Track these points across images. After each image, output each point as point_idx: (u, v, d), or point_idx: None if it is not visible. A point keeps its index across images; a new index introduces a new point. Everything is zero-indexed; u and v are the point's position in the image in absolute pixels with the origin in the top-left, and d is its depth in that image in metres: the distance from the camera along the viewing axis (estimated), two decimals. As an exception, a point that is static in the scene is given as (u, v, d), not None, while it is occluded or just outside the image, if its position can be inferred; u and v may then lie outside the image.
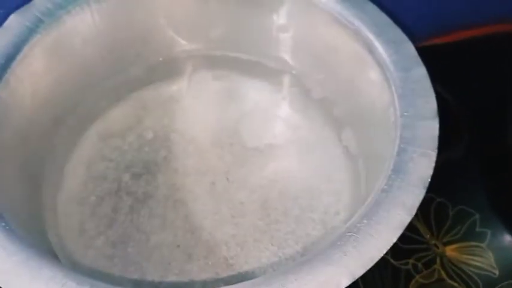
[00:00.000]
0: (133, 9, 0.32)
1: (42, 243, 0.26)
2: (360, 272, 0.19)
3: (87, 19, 0.30)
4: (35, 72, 0.28)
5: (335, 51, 0.30)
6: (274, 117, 0.36)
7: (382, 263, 0.37)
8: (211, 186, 0.33)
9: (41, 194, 0.29)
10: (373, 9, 0.29)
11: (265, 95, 0.36)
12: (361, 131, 0.31)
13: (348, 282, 0.18)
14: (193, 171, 0.33)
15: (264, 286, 0.18)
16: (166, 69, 0.36)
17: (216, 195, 0.32)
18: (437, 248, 0.38)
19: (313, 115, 0.35)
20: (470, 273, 0.37)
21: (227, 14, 0.34)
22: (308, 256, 0.19)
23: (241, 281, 0.27)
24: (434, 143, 0.23)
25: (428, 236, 0.38)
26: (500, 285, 0.36)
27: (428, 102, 0.24)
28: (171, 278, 0.29)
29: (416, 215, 0.39)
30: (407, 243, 0.38)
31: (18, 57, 0.27)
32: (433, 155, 0.22)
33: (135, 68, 0.35)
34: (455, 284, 0.36)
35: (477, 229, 0.39)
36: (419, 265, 0.37)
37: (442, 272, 0.37)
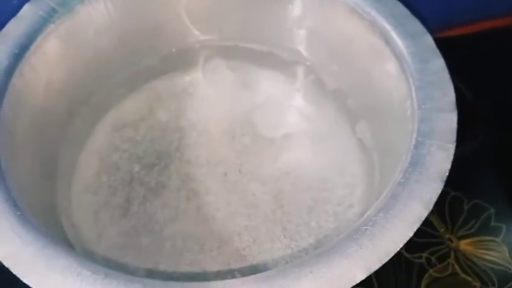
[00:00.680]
0: (146, -1, 0.32)
1: (57, 232, 0.26)
2: (375, 265, 0.18)
3: (100, 9, 0.30)
4: (49, 62, 0.28)
5: (351, 43, 0.30)
6: (288, 108, 0.36)
7: (395, 256, 0.37)
8: (224, 177, 0.33)
9: (56, 183, 0.29)
10: (390, 0, 0.28)
11: (278, 86, 0.36)
12: (376, 123, 0.31)
13: (364, 276, 0.18)
14: (205, 162, 0.33)
15: (278, 278, 0.18)
16: (180, 60, 0.36)
17: (229, 186, 0.32)
18: (452, 242, 0.37)
19: (327, 107, 0.34)
20: (485, 268, 0.36)
21: (241, 3, 0.34)
22: (323, 249, 0.19)
23: (254, 272, 0.27)
24: (453, 136, 0.22)
25: (442, 229, 0.38)
26: (515, 280, 0.36)
27: (447, 95, 0.24)
28: (184, 268, 0.29)
29: (430, 208, 0.39)
30: (421, 237, 0.37)
31: (32, 47, 0.27)
32: (451, 148, 0.22)
33: (149, 59, 0.35)
34: (469, 279, 0.36)
35: (492, 223, 0.38)
36: (433, 259, 0.36)
37: (456, 266, 0.36)
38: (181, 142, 0.34)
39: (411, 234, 0.19)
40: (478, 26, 0.45)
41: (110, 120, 0.34)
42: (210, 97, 0.36)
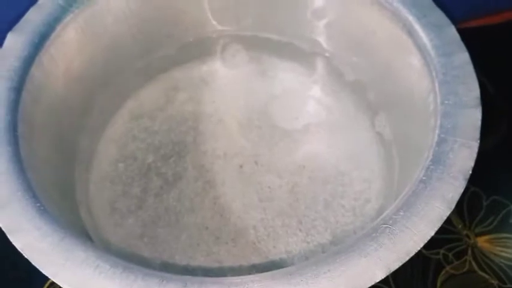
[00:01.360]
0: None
1: (75, 222, 0.26)
2: (395, 265, 0.18)
3: (119, -3, 0.30)
4: (68, 51, 0.28)
5: (372, 34, 0.29)
6: (306, 100, 0.36)
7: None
8: (240, 169, 0.33)
9: (74, 173, 0.30)
10: (414, -11, 0.27)
11: (297, 77, 0.36)
12: (396, 117, 0.30)
13: (383, 276, 0.18)
14: (222, 153, 0.33)
15: (296, 275, 0.18)
16: (197, 49, 0.36)
17: (244, 178, 0.32)
18: (469, 238, 0.37)
19: (346, 99, 0.34)
20: (502, 266, 0.36)
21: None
22: (342, 246, 0.19)
23: (269, 266, 0.27)
24: (477, 133, 0.22)
25: (460, 226, 0.37)
26: (534, 279, 0.35)
27: (471, 90, 0.23)
28: (199, 259, 0.29)
29: (448, 204, 0.38)
30: (439, 233, 0.37)
31: (52, 36, 0.27)
32: (475, 145, 0.21)
33: (166, 48, 0.35)
34: (487, 276, 0.35)
35: (511, 220, 0.38)
36: (450, 255, 0.36)
37: (473, 263, 0.36)
38: (198, 133, 0.34)
39: (432, 234, 0.19)
40: (500, 16, 0.44)
41: (128, 109, 0.34)
42: (227, 87, 0.36)
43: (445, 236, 0.37)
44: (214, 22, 0.35)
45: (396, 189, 0.28)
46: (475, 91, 0.23)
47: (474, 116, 0.22)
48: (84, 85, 0.30)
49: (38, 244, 0.19)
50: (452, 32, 0.26)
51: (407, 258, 0.18)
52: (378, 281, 0.18)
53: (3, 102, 0.24)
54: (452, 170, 0.21)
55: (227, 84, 0.36)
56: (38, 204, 0.20)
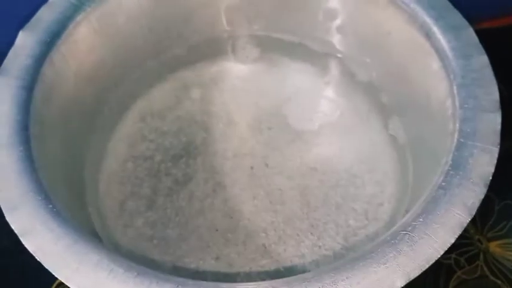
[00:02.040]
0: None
1: (85, 223, 0.26)
2: (415, 273, 0.18)
3: (131, -4, 0.30)
4: (79, 50, 0.28)
5: (387, 35, 0.29)
6: (317, 101, 0.35)
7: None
8: (250, 170, 0.32)
9: (83, 173, 0.29)
10: (431, -10, 0.27)
11: (309, 78, 0.35)
12: (411, 120, 0.30)
13: (403, 283, 0.18)
14: (232, 154, 0.33)
15: (314, 282, 0.18)
16: (208, 49, 0.35)
17: (255, 180, 0.32)
18: (481, 243, 0.37)
19: (359, 101, 0.34)
20: (515, 271, 0.35)
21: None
22: (360, 253, 0.19)
23: (280, 270, 0.26)
24: (497, 138, 0.21)
25: (472, 230, 0.37)
26: (547, 285, 0.35)
27: (490, 94, 0.23)
28: (210, 262, 0.29)
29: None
30: (450, 237, 0.36)
31: (63, 35, 0.27)
32: (495, 151, 0.21)
33: (177, 48, 0.34)
34: (499, 282, 0.35)
35: (523, 225, 0.37)
36: (462, 260, 0.36)
37: (485, 268, 0.36)
38: (208, 133, 0.34)
39: (453, 241, 0.19)
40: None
41: (138, 109, 0.34)
42: (238, 88, 0.36)
43: (457, 241, 0.36)
44: (225, 22, 0.35)
45: (410, 193, 0.28)
46: (495, 94, 0.23)
47: (494, 121, 0.22)
48: (95, 85, 0.30)
49: (50, 247, 0.19)
50: (470, 33, 0.25)
51: (427, 266, 0.18)
52: (397, 289, 0.17)
53: (14, 102, 0.23)
54: (472, 176, 0.20)
55: (238, 84, 0.36)
56: (50, 206, 0.20)
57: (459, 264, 0.35)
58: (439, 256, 0.18)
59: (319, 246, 0.29)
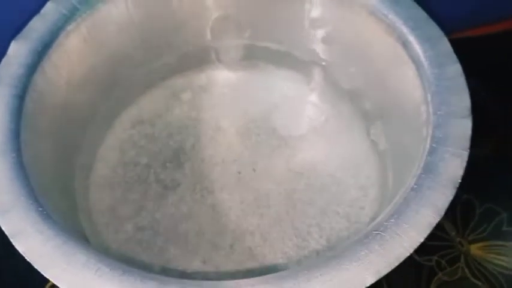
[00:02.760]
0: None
1: (75, 227, 0.27)
2: (385, 270, 0.19)
3: (121, 7, 0.31)
4: (70, 59, 0.29)
5: (368, 45, 0.30)
6: (303, 109, 0.36)
7: (405, 258, 0.37)
8: (238, 176, 0.33)
9: (74, 178, 0.30)
10: (409, 2, 0.28)
11: (295, 86, 0.36)
12: (391, 126, 0.31)
13: (373, 280, 0.18)
14: (220, 160, 0.34)
15: (289, 279, 0.19)
16: (197, 58, 0.36)
17: (242, 185, 0.33)
18: (462, 245, 0.37)
19: (342, 108, 0.35)
20: (495, 273, 0.36)
21: (259, 3, 0.34)
22: (333, 252, 0.19)
23: (265, 271, 0.27)
24: (467, 142, 0.22)
25: (453, 233, 0.38)
26: (525, 286, 0.36)
27: (462, 101, 0.24)
28: (197, 265, 0.29)
29: (442, 211, 0.39)
30: (432, 240, 0.37)
31: (55, 45, 0.27)
32: (465, 155, 0.22)
33: (167, 57, 0.35)
34: (479, 283, 0.36)
35: (504, 228, 0.38)
36: (443, 262, 0.36)
37: (466, 270, 0.36)
38: (197, 140, 0.35)
39: (422, 240, 0.20)
40: (498, 26, 0.45)
41: (128, 116, 0.35)
42: (226, 95, 0.37)
43: (439, 243, 0.37)
44: (214, 31, 0.36)
45: (390, 196, 0.29)
46: (466, 102, 0.24)
47: (465, 126, 0.23)
48: (86, 93, 0.31)
49: (40, 248, 0.20)
50: (445, 44, 0.26)
51: (396, 264, 0.19)
52: (368, 285, 0.18)
53: (7, 110, 0.24)
54: (443, 179, 0.21)
55: (226, 92, 0.37)
56: (41, 209, 0.21)
57: (440, 266, 0.36)
58: (408, 254, 0.19)
59: (303, 248, 0.30)
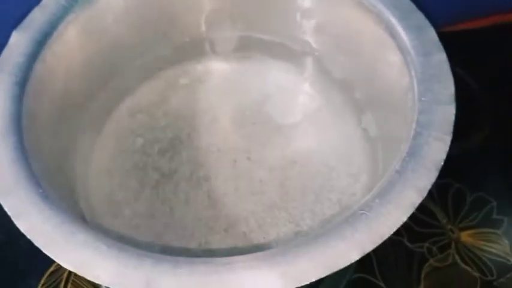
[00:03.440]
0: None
1: (74, 209, 0.28)
2: (369, 247, 0.20)
3: (118, -2, 0.31)
4: (70, 49, 0.29)
5: (357, 34, 0.31)
6: (296, 98, 0.37)
7: (397, 245, 0.38)
8: (233, 163, 0.34)
9: (74, 165, 0.31)
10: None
11: (288, 76, 0.37)
12: (380, 114, 0.31)
13: (358, 256, 0.19)
14: (216, 149, 0.35)
15: (278, 257, 0.20)
16: (193, 49, 0.37)
17: (237, 172, 0.33)
18: (453, 233, 0.38)
19: (334, 97, 0.35)
20: (485, 259, 0.37)
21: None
22: (321, 231, 0.20)
23: (258, 251, 0.28)
24: (450, 127, 0.23)
25: (444, 220, 0.39)
26: (513, 271, 0.36)
27: (447, 88, 0.25)
28: (193, 247, 0.30)
29: (433, 199, 0.40)
30: (424, 227, 0.38)
31: (54, 35, 0.28)
32: (447, 139, 0.23)
33: (163, 48, 0.36)
34: (469, 269, 0.37)
35: (494, 216, 0.39)
36: (434, 249, 0.37)
37: (457, 257, 0.37)
38: (193, 129, 0.35)
39: (405, 219, 0.20)
40: (489, 19, 0.46)
41: (126, 105, 0.36)
42: (222, 86, 0.37)
43: (430, 230, 0.38)
44: (209, 23, 0.37)
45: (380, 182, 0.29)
46: (451, 89, 0.25)
47: (448, 112, 0.24)
48: (84, 82, 0.31)
49: (41, 227, 0.21)
50: (431, 33, 0.27)
51: (380, 242, 0.20)
52: (353, 261, 0.19)
53: (8, 96, 0.25)
54: (426, 162, 0.22)
55: (222, 82, 0.37)
56: (41, 191, 0.22)
57: (431, 252, 0.37)
58: (391, 232, 0.20)
59: (296, 233, 0.31)
